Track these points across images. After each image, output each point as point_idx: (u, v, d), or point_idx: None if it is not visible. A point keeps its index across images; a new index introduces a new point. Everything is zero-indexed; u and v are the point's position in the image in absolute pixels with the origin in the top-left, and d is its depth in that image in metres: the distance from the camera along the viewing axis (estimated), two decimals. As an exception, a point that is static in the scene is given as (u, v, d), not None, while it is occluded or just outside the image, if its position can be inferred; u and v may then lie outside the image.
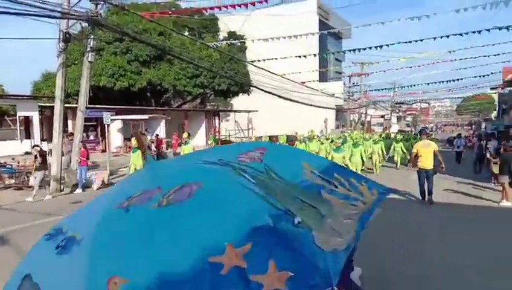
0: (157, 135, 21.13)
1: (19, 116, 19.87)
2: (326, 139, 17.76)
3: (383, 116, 57.06)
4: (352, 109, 41.72)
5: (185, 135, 15.13)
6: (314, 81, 28.07)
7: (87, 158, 12.84)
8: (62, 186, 12.72)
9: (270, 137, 20.06)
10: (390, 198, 10.56)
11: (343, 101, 40.72)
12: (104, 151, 21.25)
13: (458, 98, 53.57)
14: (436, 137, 34.81)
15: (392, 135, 23.69)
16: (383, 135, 23.59)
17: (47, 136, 20.43)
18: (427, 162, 9.48)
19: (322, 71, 35.24)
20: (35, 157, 11.56)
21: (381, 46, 19.20)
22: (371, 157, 16.32)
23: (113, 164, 16.27)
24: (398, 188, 11.23)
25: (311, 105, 27.85)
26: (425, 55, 24.51)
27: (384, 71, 26.19)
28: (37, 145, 12.64)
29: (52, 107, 15.26)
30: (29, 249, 2.02)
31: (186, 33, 29.74)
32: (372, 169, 16.02)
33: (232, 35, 31.16)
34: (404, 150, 17.46)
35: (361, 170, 13.75)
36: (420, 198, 9.76)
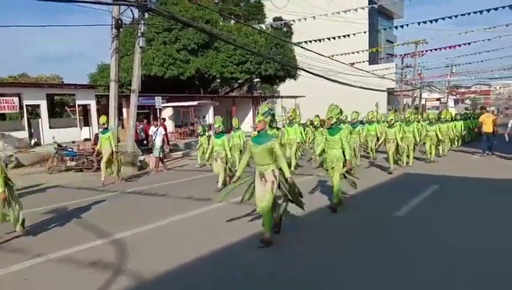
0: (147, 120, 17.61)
1: (78, 105, 21.01)
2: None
3: (438, 100, 54.05)
4: (405, 91, 39.79)
5: (234, 122, 15.14)
6: (364, 61, 27.02)
7: None
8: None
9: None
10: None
11: (395, 83, 38.96)
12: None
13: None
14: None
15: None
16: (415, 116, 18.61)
17: (104, 124, 21.38)
18: (488, 128, 14.10)
19: (373, 53, 33.81)
20: None
21: (436, 20, 18.04)
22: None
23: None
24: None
25: (360, 87, 26.90)
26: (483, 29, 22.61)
27: (440, 49, 24.41)
28: None
29: (107, 96, 15.99)
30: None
31: (232, 22, 29.82)
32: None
33: (278, 20, 30.81)
34: (440, 136, 13.08)
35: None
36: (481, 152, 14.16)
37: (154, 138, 13.10)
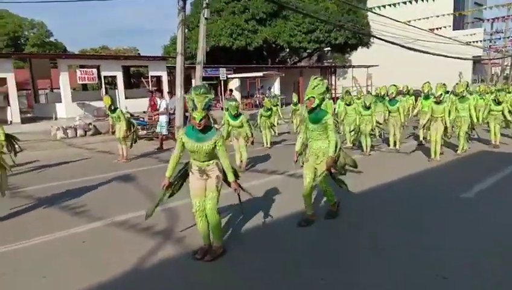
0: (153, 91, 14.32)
1: (151, 76, 22.03)
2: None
3: (534, 68, 47.88)
4: (494, 59, 35.81)
5: (294, 98, 14.65)
6: (445, 27, 24.66)
7: None
8: (184, 138, 13.79)
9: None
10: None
11: (482, 51, 35.20)
12: (223, 109, 22.34)
13: None
14: None
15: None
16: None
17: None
18: None
19: (459, 16, 30.65)
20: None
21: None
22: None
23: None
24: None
25: (440, 55, 24.67)
26: None
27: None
28: None
29: (177, 67, 16.50)
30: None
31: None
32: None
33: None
34: (508, 116, 10.43)
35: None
36: None
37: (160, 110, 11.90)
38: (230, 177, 3.98)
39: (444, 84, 8.66)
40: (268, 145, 11.41)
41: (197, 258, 3.98)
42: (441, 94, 8.45)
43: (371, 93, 10.81)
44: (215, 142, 3.83)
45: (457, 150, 9.40)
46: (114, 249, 4.36)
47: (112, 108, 9.53)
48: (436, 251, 4.08)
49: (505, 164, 8.20)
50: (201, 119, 3.75)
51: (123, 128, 9.55)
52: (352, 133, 10.55)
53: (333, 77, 33.25)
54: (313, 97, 4.67)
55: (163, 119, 11.85)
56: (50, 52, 33.57)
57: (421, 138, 11.02)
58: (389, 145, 10.41)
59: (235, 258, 4.05)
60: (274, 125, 12.77)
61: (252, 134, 8.12)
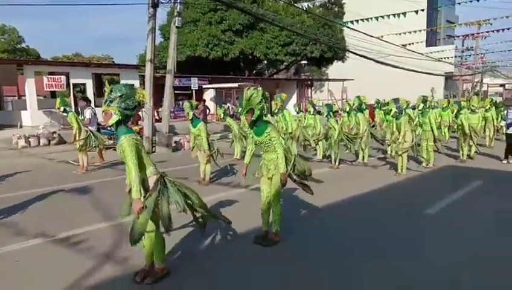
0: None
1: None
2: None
3: (502, 86, 49.68)
4: (465, 76, 36.91)
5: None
6: (418, 42, 25.21)
7: None
8: (154, 148, 13.43)
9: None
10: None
11: (453, 67, 36.21)
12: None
13: None
14: None
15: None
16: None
17: (147, 104, 21.77)
18: None
19: (431, 32, 31.47)
20: None
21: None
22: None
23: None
24: None
25: (412, 70, 25.16)
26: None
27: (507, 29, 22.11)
28: None
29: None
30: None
31: (281, 2, 28.97)
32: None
33: (329, -1, 29.65)
34: (466, 129, 10.15)
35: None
36: None
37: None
38: (133, 194, 3.23)
39: (396, 99, 8.88)
40: (238, 157, 11.15)
41: (137, 281, 3.63)
42: (391, 110, 8.57)
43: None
44: (120, 146, 3.26)
45: (425, 164, 9.42)
46: (48, 270, 3.98)
47: (62, 110, 9.21)
48: (399, 263, 3.92)
49: (471, 178, 8.21)
50: (105, 113, 3.32)
51: (76, 133, 9.16)
52: (321, 144, 10.51)
53: (310, 90, 33.48)
54: (252, 109, 4.27)
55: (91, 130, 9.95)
56: (20, 58, 32.51)
57: (388, 152, 11.00)
58: (357, 158, 10.35)
59: (182, 279, 3.74)
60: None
61: (210, 148, 7.61)
